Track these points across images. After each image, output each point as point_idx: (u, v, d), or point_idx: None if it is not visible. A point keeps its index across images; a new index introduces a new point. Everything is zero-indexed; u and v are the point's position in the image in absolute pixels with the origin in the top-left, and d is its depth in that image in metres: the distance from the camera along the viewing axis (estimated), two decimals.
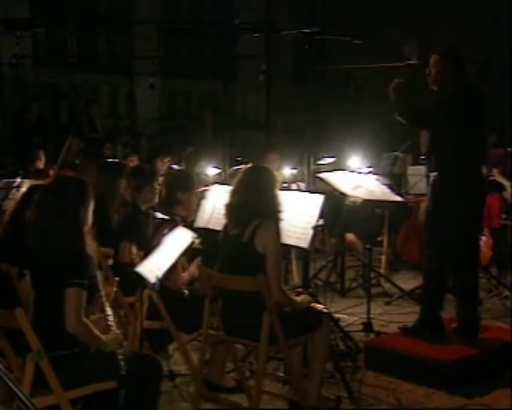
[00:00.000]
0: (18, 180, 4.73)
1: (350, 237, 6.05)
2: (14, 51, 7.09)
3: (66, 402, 2.60)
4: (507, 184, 5.46)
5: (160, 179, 4.49)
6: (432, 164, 4.13)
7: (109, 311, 2.83)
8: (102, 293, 2.81)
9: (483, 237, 5.54)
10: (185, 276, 3.83)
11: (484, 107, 4.14)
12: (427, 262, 4.23)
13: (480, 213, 4.23)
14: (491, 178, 5.71)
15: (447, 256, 4.13)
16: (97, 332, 2.67)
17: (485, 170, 4.34)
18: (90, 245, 2.77)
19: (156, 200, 4.27)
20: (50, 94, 9.82)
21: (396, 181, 6.18)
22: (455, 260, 4.15)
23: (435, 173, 4.09)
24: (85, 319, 2.63)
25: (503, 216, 5.74)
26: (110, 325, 2.77)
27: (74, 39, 10.56)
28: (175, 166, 6.70)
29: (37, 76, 9.73)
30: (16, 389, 1.68)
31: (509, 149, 6.15)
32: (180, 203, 4.05)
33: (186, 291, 3.81)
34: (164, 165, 6.52)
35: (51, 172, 5.84)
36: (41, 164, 6.22)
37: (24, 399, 1.68)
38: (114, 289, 3.01)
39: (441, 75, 4.06)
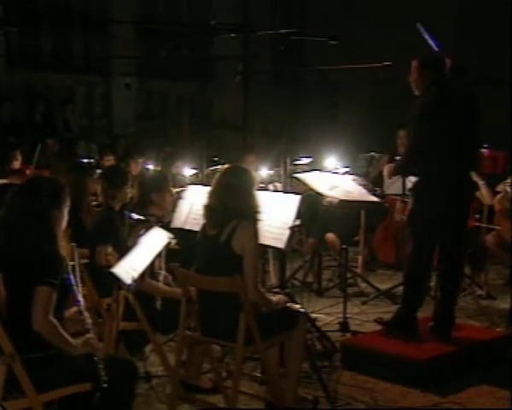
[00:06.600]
0: None
1: (330, 237, 6.08)
2: None
3: (40, 406, 2.56)
4: (481, 183, 5.54)
5: (134, 180, 4.48)
6: (407, 168, 4.18)
7: (86, 313, 2.80)
8: (80, 296, 2.78)
9: None
10: (167, 290, 3.78)
11: (470, 109, 4.13)
12: (412, 264, 4.23)
13: (465, 215, 4.27)
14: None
15: (432, 258, 4.17)
16: (66, 334, 2.64)
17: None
18: (64, 247, 2.74)
19: (128, 200, 4.25)
20: (24, 94, 9.71)
21: (372, 182, 6.22)
22: (442, 260, 4.19)
23: (417, 178, 4.14)
24: (53, 319, 2.60)
25: (477, 216, 5.83)
26: (87, 329, 2.74)
27: (49, 39, 10.44)
28: (151, 167, 6.67)
29: (10, 76, 9.61)
30: None
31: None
32: (154, 204, 4.03)
33: (159, 301, 3.78)
34: (137, 166, 6.51)
35: (28, 172, 5.77)
36: (17, 164, 6.14)
37: None
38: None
39: (421, 81, 4.12)
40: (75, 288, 2.76)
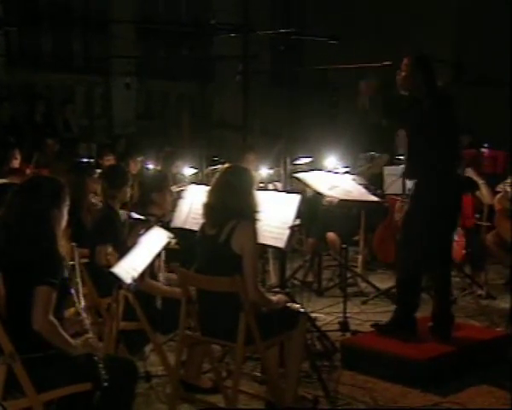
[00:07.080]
0: None
1: (331, 236, 6.08)
2: None
3: (40, 405, 2.56)
4: (481, 182, 5.54)
5: (133, 180, 4.49)
6: (410, 172, 4.19)
7: (85, 314, 2.80)
8: (80, 296, 2.78)
9: (455, 237, 5.61)
10: (167, 290, 3.78)
11: (454, 109, 4.17)
12: (404, 265, 4.23)
13: (457, 216, 4.29)
14: (466, 175, 5.80)
15: (423, 258, 4.18)
16: (65, 334, 2.64)
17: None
18: (63, 247, 2.74)
19: (128, 200, 4.26)
20: (24, 94, 9.71)
21: (372, 181, 6.23)
22: (433, 260, 4.19)
23: (414, 181, 4.15)
24: (53, 319, 2.59)
25: (477, 216, 5.83)
26: (86, 329, 2.74)
27: (49, 39, 10.44)
28: (151, 167, 6.68)
29: (10, 76, 9.61)
30: None
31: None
32: (154, 203, 4.03)
33: (159, 301, 3.78)
34: (136, 164, 6.52)
35: (28, 171, 5.78)
36: (16, 163, 6.14)
37: None
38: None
39: (410, 80, 4.11)
40: (73, 289, 2.76)
